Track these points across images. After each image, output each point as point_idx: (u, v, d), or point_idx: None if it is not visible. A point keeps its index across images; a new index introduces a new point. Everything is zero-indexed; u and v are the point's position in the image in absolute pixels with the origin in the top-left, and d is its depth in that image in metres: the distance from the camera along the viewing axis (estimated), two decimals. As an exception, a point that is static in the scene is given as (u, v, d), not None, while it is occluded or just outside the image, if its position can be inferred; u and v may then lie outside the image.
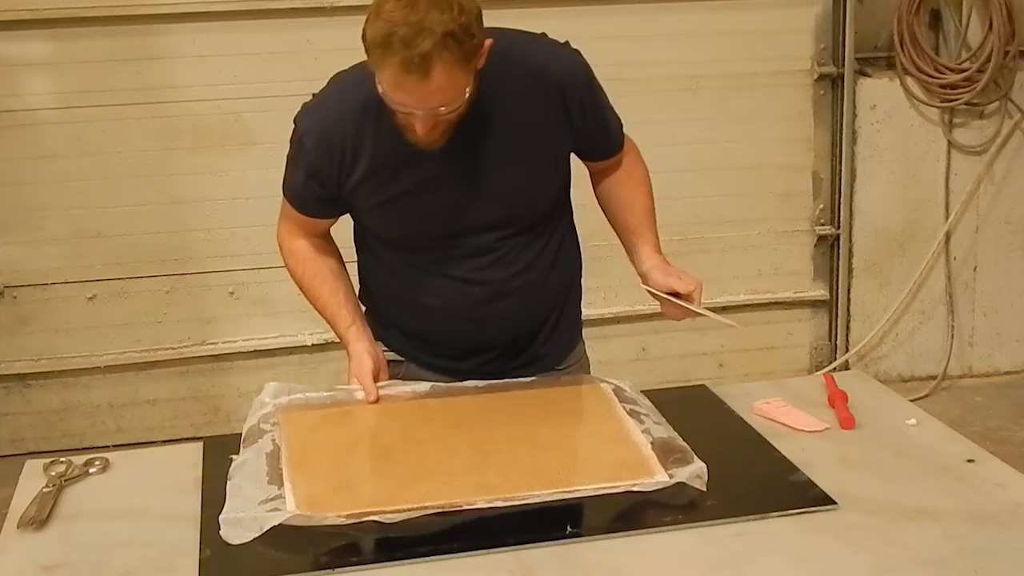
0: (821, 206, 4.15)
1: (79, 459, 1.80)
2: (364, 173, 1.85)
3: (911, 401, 2.09)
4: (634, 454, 1.72)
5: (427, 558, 1.49)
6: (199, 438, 1.91)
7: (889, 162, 4.12)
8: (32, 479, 1.75)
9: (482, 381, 1.96)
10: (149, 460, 1.87)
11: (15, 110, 3.60)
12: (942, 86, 4.01)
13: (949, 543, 1.50)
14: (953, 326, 4.28)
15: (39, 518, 1.62)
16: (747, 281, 4.18)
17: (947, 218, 4.16)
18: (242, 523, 1.55)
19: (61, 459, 1.80)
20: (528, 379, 1.99)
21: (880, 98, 4.07)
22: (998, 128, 4.11)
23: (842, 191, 4.10)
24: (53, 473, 1.75)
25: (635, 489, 1.63)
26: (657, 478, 1.65)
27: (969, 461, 1.73)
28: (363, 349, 1.93)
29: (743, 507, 1.59)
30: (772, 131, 4.06)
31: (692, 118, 4.00)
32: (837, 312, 4.23)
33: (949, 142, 4.11)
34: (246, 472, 1.68)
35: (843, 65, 4.00)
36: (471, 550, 1.50)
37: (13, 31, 3.54)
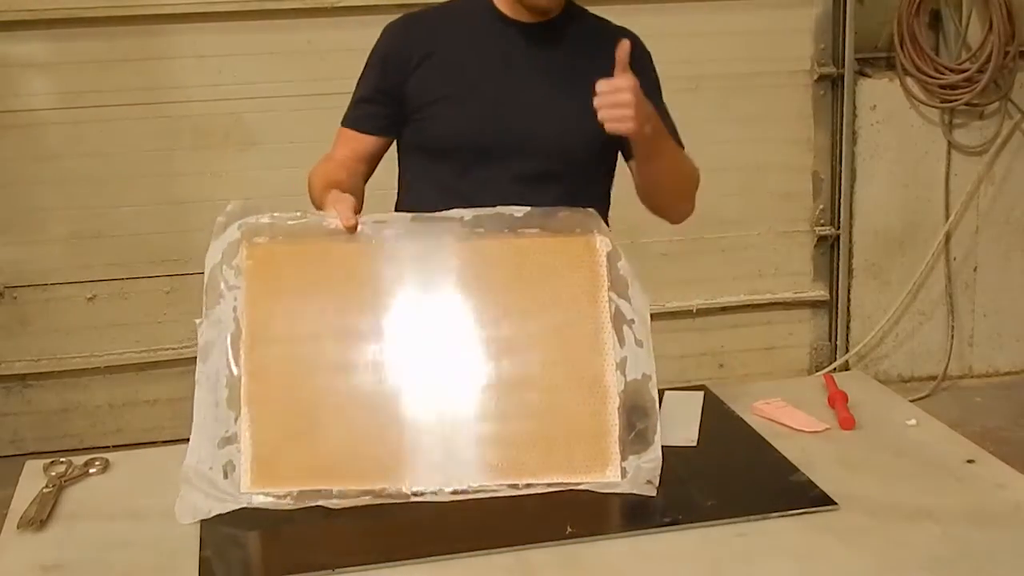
0: (821, 206, 4.15)
1: (79, 459, 1.80)
2: (437, 61, 1.93)
3: (911, 401, 2.09)
4: (595, 424, 1.69)
5: (427, 558, 1.49)
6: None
7: (889, 162, 4.12)
8: (32, 479, 1.75)
9: (469, 213, 1.79)
10: (149, 460, 1.87)
11: (15, 110, 3.60)
12: (942, 86, 4.01)
13: (949, 543, 1.50)
14: (953, 326, 4.28)
15: (39, 518, 1.62)
16: (747, 281, 4.18)
17: (947, 218, 4.16)
18: (196, 501, 1.60)
19: (61, 459, 1.80)
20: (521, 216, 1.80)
21: (880, 98, 4.07)
22: (998, 128, 4.11)
23: (842, 191, 4.10)
24: (53, 473, 1.75)
25: (583, 488, 1.65)
26: (609, 474, 1.65)
27: (969, 461, 1.73)
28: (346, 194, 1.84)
29: (743, 507, 1.59)
30: (772, 131, 4.06)
31: (692, 118, 3.98)
32: (837, 312, 4.23)
33: (949, 142, 4.11)
34: (208, 376, 1.68)
35: (843, 65, 4.00)
36: (471, 550, 1.50)
37: (13, 31, 3.54)
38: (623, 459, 1.67)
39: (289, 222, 1.76)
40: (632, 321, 1.76)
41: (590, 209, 1.82)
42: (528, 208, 1.79)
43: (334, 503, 1.60)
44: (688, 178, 2.03)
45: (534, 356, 1.72)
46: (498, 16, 1.98)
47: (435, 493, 1.65)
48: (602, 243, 1.80)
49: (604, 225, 1.83)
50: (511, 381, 1.71)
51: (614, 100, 1.73)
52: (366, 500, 1.62)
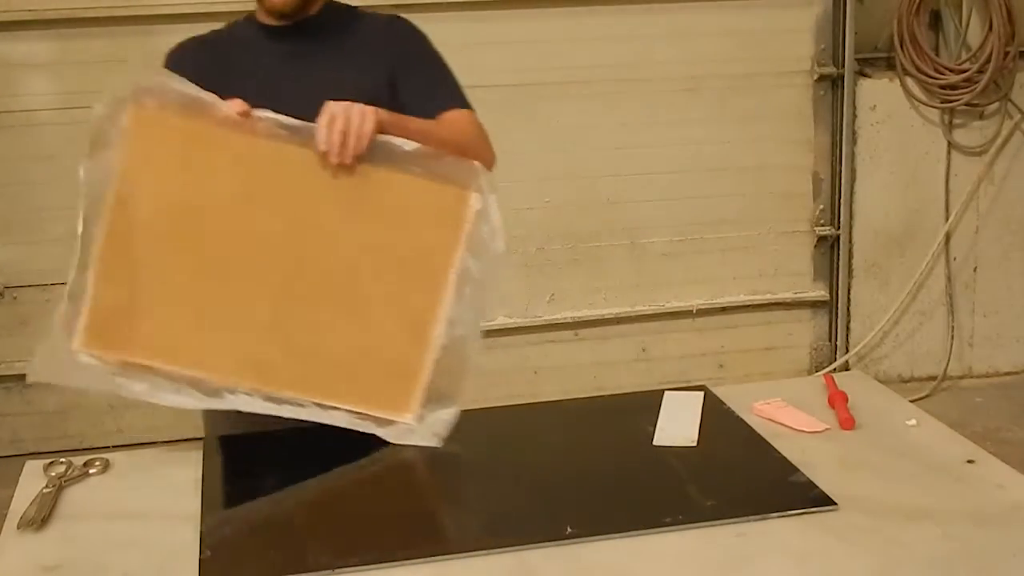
0: (821, 206, 4.15)
1: (79, 459, 1.80)
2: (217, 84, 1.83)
3: (911, 401, 2.09)
4: (408, 366, 1.77)
5: (427, 558, 1.49)
6: (199, 438, 1.91)
7: (889, 162, 4.12)
8: (32, 479, 1.75)
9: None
10: (149, 460, 1.87)
11: (15, 110, 3.61)
12: (942, 87, 4.01)
13: (949, 543, 1.50)
14: (953, 326, 4.28)
15: (39, 519, 1.62)
16: (747, 281, 4.18)
17: (947, 218, 4.16)
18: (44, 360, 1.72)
19: (61, 459, 1.80)
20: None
21: (880, 99, 4.07)
22: (998, 129, 4.11)
23: (842, 191, 4.11)
24: (53, 474, 1.75)
25: (375, 432, 1.75)
26: (407, 416, 1.75)
27: (969, 461, 1.73)
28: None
29: (743, 507, 1.59)
30: (772, 131, 4.06)
31: (692, 118, 4.01)
32: (837, 312, 4.23)
33: (949, 143, 4.12)
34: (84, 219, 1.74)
35: (843, 65, 4.00)
36: (471, 550, 1.50)
37: (13, 31, 3.54)
38: (423, 405, 1.76)
39: (185, 91, 1.74)
40: (477, 283, 1.79)
41: (478, 164, 1.82)
42: (418, 145, 1.78)
43: (157, 393, 1.70)
44: (448, 143, 1.89)
45: (372, 288, 1.77)
46: (259, 26, 2.00)
47: (249, 395, 1.72)
48: (475, 200, 1.80)
49: (485, 184, 1.82)
50: (345, 305, 1.77)
51: (336, 138, 1.72)
52: (185, 390, 1.71)
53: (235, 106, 1.73)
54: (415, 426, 1.75)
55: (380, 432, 1.76)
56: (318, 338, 1.76)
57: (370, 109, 1.74)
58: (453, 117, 1.99)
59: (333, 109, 1.72)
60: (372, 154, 1.74)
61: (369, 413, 1.76)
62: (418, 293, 1.78)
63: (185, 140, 1.74)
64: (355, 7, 2.07)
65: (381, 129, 1.76)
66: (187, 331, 1.74)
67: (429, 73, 2.04)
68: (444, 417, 1.76)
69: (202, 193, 1.74)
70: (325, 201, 1.75)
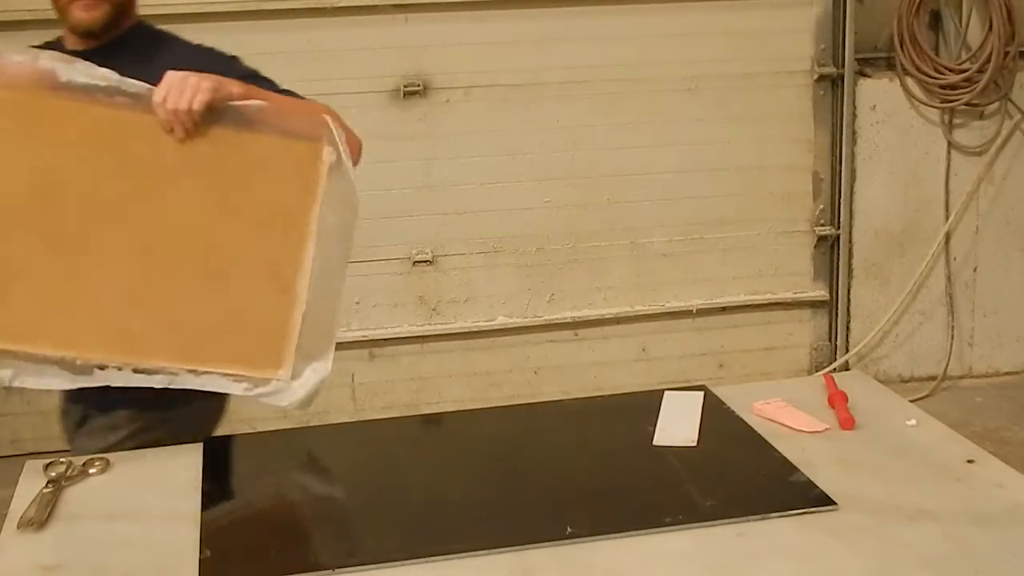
0: (821, 206, 4.15)
1: (79, 459, 1.80)
2: None
3: (911, 401, 2.09)
4: (276, 323, 1.77)
5: (427, 558, 1.49)
6: (199, 438, 1.91)
7: (889, 162, 4.12)
8: (32, 479, 1.75)
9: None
10: (149, 460, 1.86)
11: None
12: (942, 87, 4.01)
13: (949, 543, 1.50)
14: (953, 326, 4.28)
15: (39, 519, 1.62)
16: (747, 281, 4.18)
17: (947, 218, 4.16)
18: None
19: (61, 459, 1.80)
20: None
21: (880, 98, 4.07)
22: (998, 128, 4.11)
23: (842, 191, 4.11)
24: (53, 473, 1.75)
25: (251, 394, 1.76)
26: (280, 374, 1.76)
27: (969, 461, 1.73)
28: None
29: (743, 507, 1.59)
30: (772, 131, 4.06)
31: (692, 118, 4.01)
32: (837, 312, 4.23)
33: (949, 143, 4.12)
34: None
35: (843, 65, 4.00)
36: (471, 550, 1.50)
37: (13, 31, 3.53)
38: (297, 362, 1.76)
39: (16, 58, 1.72)
40: (336, 235, 1.80)
41: (326, 118, 1.82)
42: (264, 103, 1.79)
43: (23, 377, 1.70)
44: (311, 109, 1.90)
45: (233, 249, 1.77)
46: (66, 53, 1.87)
47: (120, 369, 1.72)
48: (327, 153, 1.80)
49: (336, 137, 1.81)
50: (206, 269, 1.76)
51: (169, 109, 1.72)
52: (52, 370, 1.71)
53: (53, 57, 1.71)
54: (288, 384, 1.75)
55: (255, 393, 1.77)
56: (183, 304, 1.76)
57: (210, 78, 1.74)
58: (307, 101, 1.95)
59: (169, 80, 1.72)
60: (220, 117, 1.75)
61: (243, 374, 1.76)
62: (279, 250, 1.78)
63: (27, 114, 1.72)
64: (166, 32, 2.03)
65: (230, 98, 1.76)
66: (48, 311, 1.73)
67: (261, 84, 1.95)
68: (315, 375, 1.77)
69: (50, 168, 1.72)
70: (176, 167, 1.75)
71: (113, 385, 1.75)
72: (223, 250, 1.76)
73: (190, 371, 1.75)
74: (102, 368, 1.72)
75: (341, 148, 1.78)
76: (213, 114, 1.73)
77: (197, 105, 1.71)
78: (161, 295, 1.75)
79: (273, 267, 1.77)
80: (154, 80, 1.74)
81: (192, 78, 1.72)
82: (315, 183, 1.77)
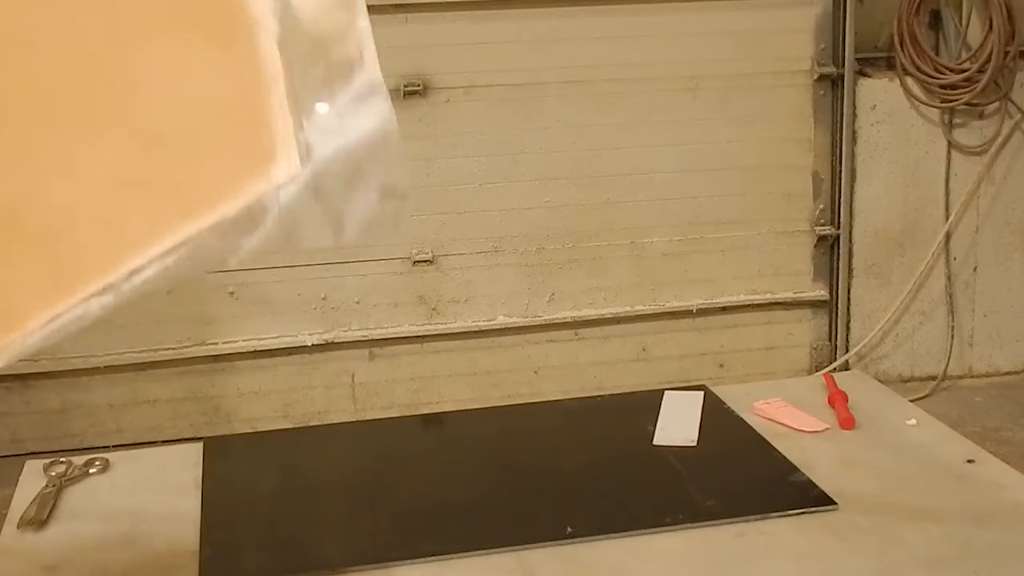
0: (821, 206, 4.15)
1: (79, 459, 1.80)
2: None
3: (911, 401, 2.09)
4: (251, 115, 0.98)
5: (427, 558, 1.49)
6: (199, 438, 1.91)
7: (889, 162, 4.12)
8: (32, 479, 1.75)
9: None
10: (149, 460, 1.87)
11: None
12: (942, 86, 4.01)
13: (949, 543, 1.50)
14: (953, 326, 4.28)
15: (39, 518, 1.62)
16: (747, 281, 4.18)
17: (947, 218, 4.16)
18: None
19: (61, 459, 1.80)
20: None
21: (880, 98, 4.07)
22: (998, 128, 4.11)
23: (842, 191, 4.10)
24: (53, 473, 1.75)
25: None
26: (281, 168, 0.95)
27: (969, 461, 1.73)
28: None
29: (743, 507, 1.59)
30: (772, 131, 4.06)
31: (692, 118, 4.01)
32: (837, 312, 4.23)
33: (949, 142, 4.12)
34: None
35: (843, 65, 4.00)
36: (471, 550, 1.50)
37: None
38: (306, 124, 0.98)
39: None
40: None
41: None
42: None
43: None
44: None
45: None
46: None
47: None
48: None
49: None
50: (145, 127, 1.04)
51: None
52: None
53: None
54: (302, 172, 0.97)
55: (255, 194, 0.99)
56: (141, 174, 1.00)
57: None
58: None
59: None
60: None
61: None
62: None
63: None
64: None
65: None
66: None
67: None
68: (368, 116, 0.97)
69: None
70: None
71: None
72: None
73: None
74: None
75: None
76: None
77: None
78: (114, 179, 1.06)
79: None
80: None
81: None
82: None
